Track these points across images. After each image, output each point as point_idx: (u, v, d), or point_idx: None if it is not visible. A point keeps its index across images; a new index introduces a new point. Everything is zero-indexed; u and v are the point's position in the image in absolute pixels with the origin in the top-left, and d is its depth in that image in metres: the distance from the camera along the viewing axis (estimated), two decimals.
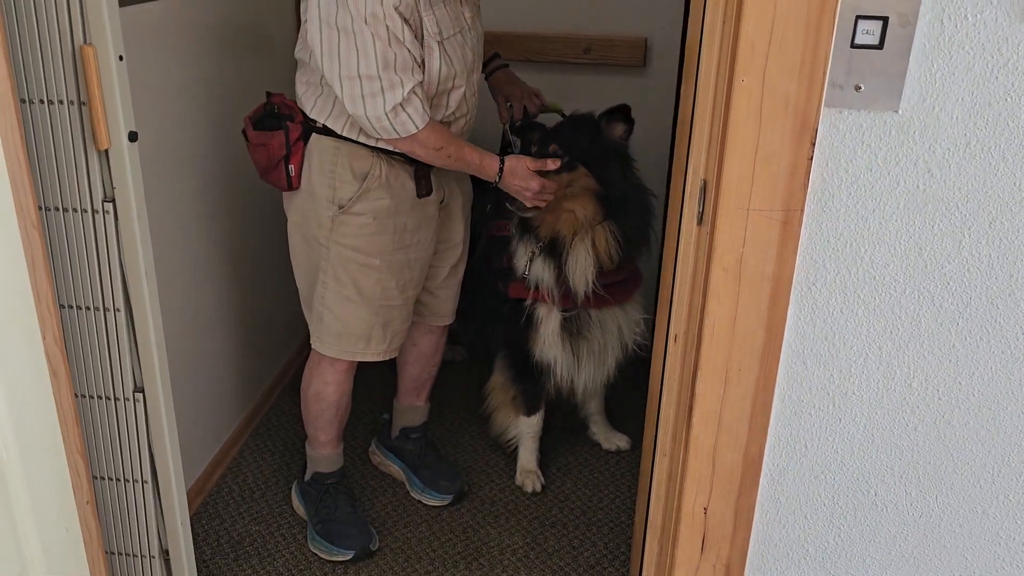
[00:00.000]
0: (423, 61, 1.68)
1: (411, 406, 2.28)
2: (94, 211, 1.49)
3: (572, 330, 2.13)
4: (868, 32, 1.00)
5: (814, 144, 1.04)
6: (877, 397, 1.16)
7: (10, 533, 1.37)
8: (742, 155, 1.07)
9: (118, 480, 1.69)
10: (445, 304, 2.14)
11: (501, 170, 1.85)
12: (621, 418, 2.50)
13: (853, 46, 1.01)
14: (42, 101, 1.42)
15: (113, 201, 1.49)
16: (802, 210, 1.08)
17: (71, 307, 1.56)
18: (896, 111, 1.03)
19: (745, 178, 1.07)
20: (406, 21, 1.62)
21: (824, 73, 1.01)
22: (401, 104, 1.65)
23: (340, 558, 2.03)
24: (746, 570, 1.28)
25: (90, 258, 1.52)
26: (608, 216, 2.01)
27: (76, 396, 1.58)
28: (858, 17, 1.00)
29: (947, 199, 1.05)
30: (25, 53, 1.39)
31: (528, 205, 1.92)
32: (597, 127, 2.02)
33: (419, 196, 1.85)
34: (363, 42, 1.59)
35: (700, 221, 1.19)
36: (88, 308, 1.56)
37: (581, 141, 2.00)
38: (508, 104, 2.16)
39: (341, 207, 1.79)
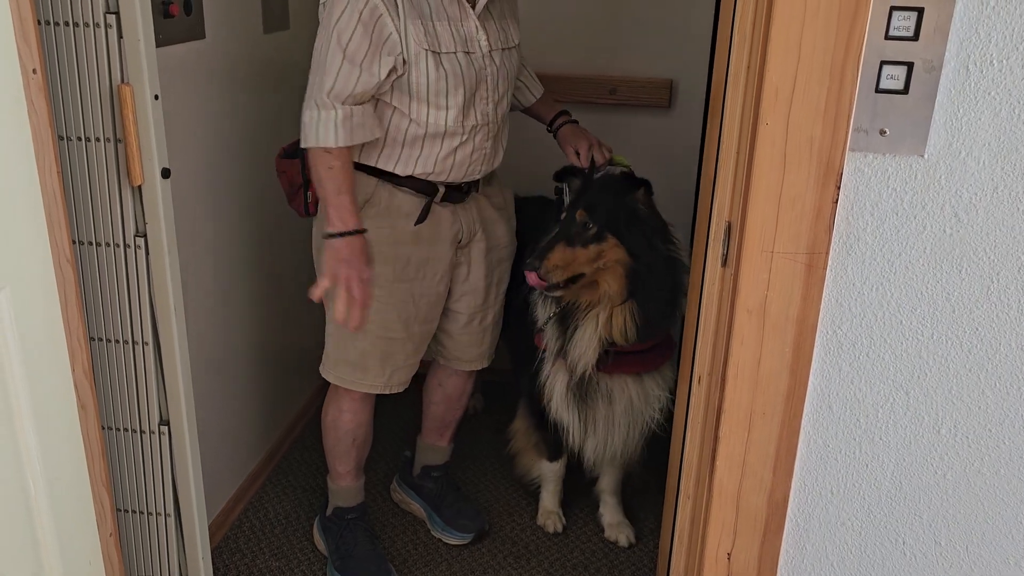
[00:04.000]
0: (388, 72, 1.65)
1: (434, 445, 2.28)
2: (126, 246, 1.52)
3: (579, 394, 2.02)
4: (893, 77, 1.00)
5: (839, 187, 1.04)
6: (905, 443, 1.15)
7: (34, 564, 1.38)
8: (766, 198, 1.07)
9: (141, 513, 1.71)
10: (467, 350, 2.07)
11: (336, 235, 1.67)
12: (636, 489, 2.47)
13: (878, 91, 1.01)
14: (79, 138, 1.46)
15: (145, 236, 1.52)
16: (827, 253, 1.07)
17: (100, 340, 1.58)
18: (922, 155, 1.02)
19: (769, 221, 1.07)
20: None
21: (849, 117, 1.01)
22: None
23: None
24: None
25: (120, 292, 1.55)
26: (633, 294, 1.86)
27: (103, 428, 1.60)
28: (883, 63, 1.00)
29: (974, 244, 1.04)
30: (64, 91, 1.44)
31: (328, 284, 1.68)
32: (625, 191, 1.88)
33: (415, 223, 1.80)
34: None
35: (724, 263, 1.19)
36: (117, 341, 1.58)
37: (610, 207, 1.85)
38: (576, 153, 2.04)
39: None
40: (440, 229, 1.84)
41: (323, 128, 1.63)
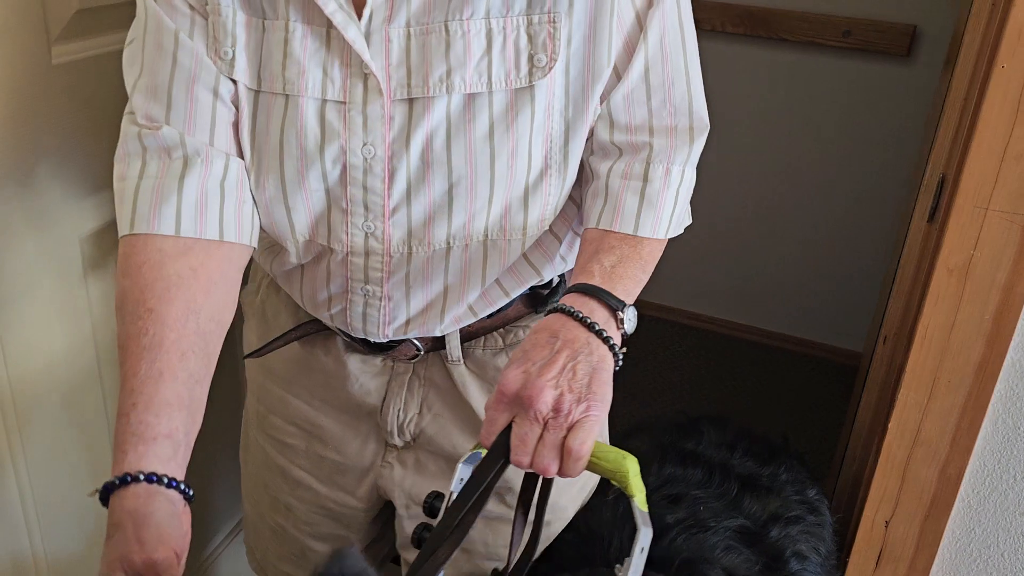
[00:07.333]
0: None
1: None
2: None
3: None
4: None
5: None
6: None
7: None
8: (989, 149, 0.98)
9: None
10: None
11: (110, 487, 0.65)
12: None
13: None
14: None
15: None
16: None
17: None
18: None
19: (988, 175, 0.98)
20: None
21: None
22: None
23: None
24: None
25: None
26: None
27: None
28: None
29: None
30: None
31: None
32: None
33: (247, 355, 1.00)
34: None
35: (931, 218, 1.11)
36: None
37: None
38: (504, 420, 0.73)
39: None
40: (347, 387, 0.94)
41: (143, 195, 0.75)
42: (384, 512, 1.05)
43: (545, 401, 0.67)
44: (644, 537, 0.66)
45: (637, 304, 0.74)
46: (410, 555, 1.00)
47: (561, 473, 0.68)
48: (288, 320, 0.96)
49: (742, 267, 2.59)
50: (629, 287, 0.75)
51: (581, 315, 0.71)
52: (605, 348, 0.71)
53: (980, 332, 1.04)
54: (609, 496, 1.02)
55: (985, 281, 1.02)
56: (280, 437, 1.01)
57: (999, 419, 1.08)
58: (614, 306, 0.72)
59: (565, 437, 0.67)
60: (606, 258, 0.76)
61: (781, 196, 2.52)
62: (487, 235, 0.81)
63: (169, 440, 0.66)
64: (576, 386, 0.68)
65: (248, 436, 1.07)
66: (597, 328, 0.71)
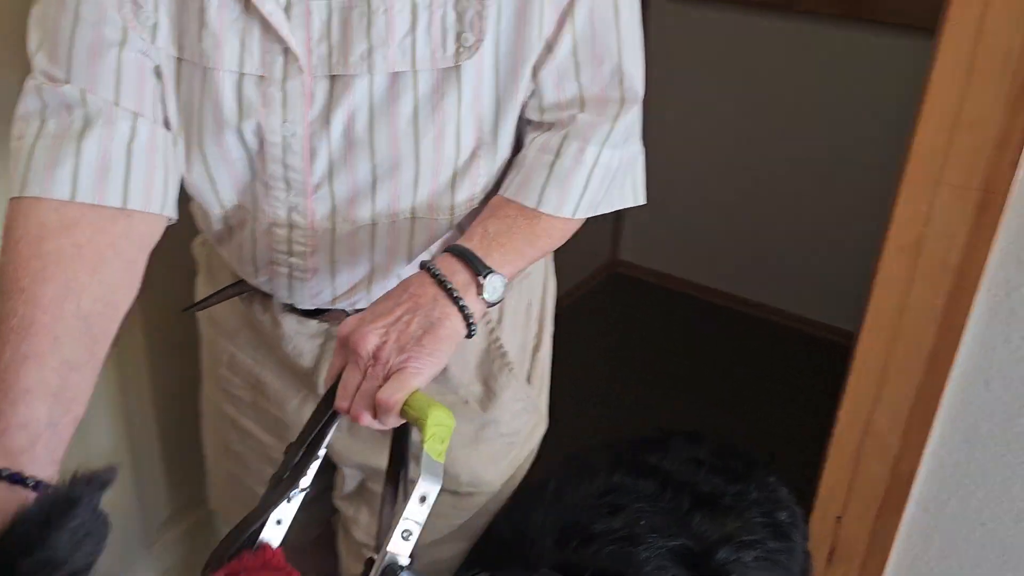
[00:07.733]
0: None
1: None
2: None
3: None
4: None
5: None
6: None
7: None
8: (940, 117, 0.90)
9: None
10: None
11: None
12: None
13: None
14: None
15: None
16: (1007, 192, 0.88)
17: None
18: None
19: (940, 145, 0.91)
20: None
21: None
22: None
23: None
24: None
25: None
26: None
27: None
28: None
29: None
30: None
31: None
32: None
33: (185, 308, 1.00)
34: None
35: None
36: None
37: None
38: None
39: None
40: (282, 347, 0.93)
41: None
42: (330, 465, 1.05)
43: (366, 347, 0.66)
44: (424, 485, 0.63)
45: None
46: (347, 508, 1.04)
47: (379, 423, 0.67)
48: (229, 275, 0.94)
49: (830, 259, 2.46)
50: (509, 257, 0.72)
51: (439, 274, 0.69)
52: (454, 309, 0.68)
53: (932, 318, 0.96)
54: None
55: (936, 261, 0.94)
56: (228, 388, 1.01)
57: (956, 417, 0.99)
58: (478, 271, 0.70)
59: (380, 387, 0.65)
60: (493, 224, 0.74)
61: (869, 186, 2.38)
62: (413, 214, 0.79)
63: (24, 431, 0.62)
64: (404, 338, 0.67)
65: (204, 385, 1.08)
66: (449, 287, 0.69)
